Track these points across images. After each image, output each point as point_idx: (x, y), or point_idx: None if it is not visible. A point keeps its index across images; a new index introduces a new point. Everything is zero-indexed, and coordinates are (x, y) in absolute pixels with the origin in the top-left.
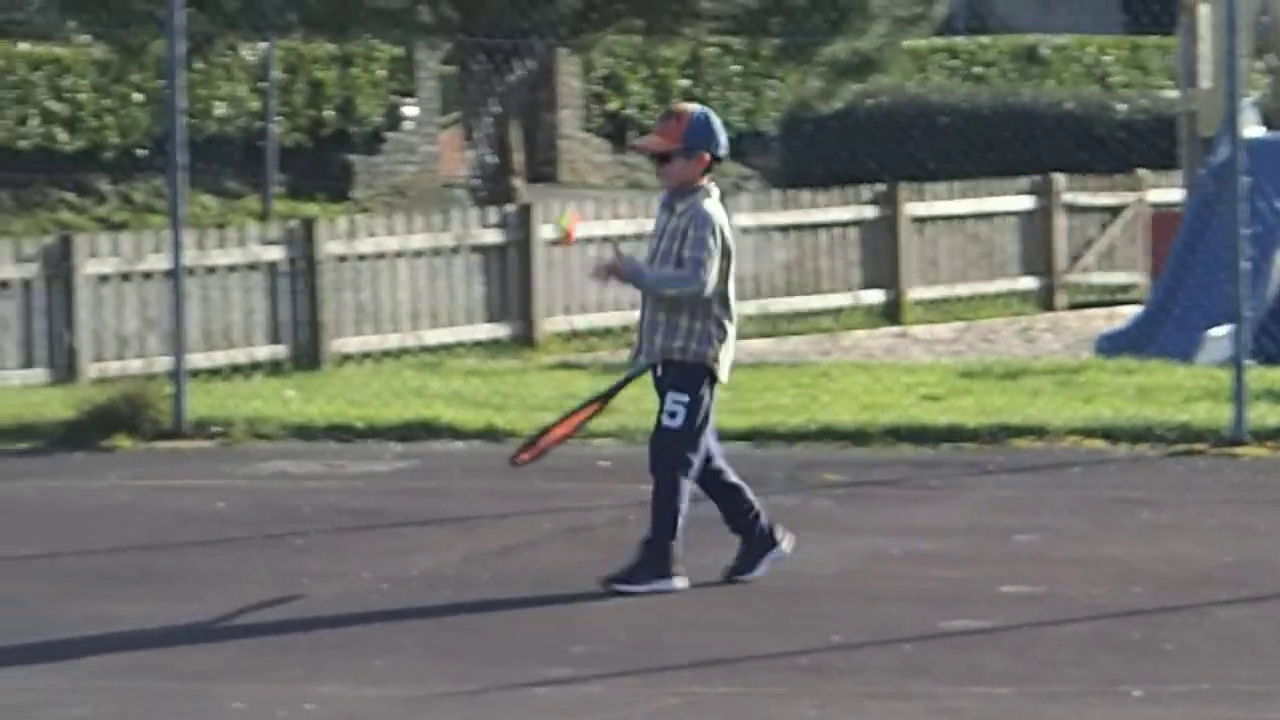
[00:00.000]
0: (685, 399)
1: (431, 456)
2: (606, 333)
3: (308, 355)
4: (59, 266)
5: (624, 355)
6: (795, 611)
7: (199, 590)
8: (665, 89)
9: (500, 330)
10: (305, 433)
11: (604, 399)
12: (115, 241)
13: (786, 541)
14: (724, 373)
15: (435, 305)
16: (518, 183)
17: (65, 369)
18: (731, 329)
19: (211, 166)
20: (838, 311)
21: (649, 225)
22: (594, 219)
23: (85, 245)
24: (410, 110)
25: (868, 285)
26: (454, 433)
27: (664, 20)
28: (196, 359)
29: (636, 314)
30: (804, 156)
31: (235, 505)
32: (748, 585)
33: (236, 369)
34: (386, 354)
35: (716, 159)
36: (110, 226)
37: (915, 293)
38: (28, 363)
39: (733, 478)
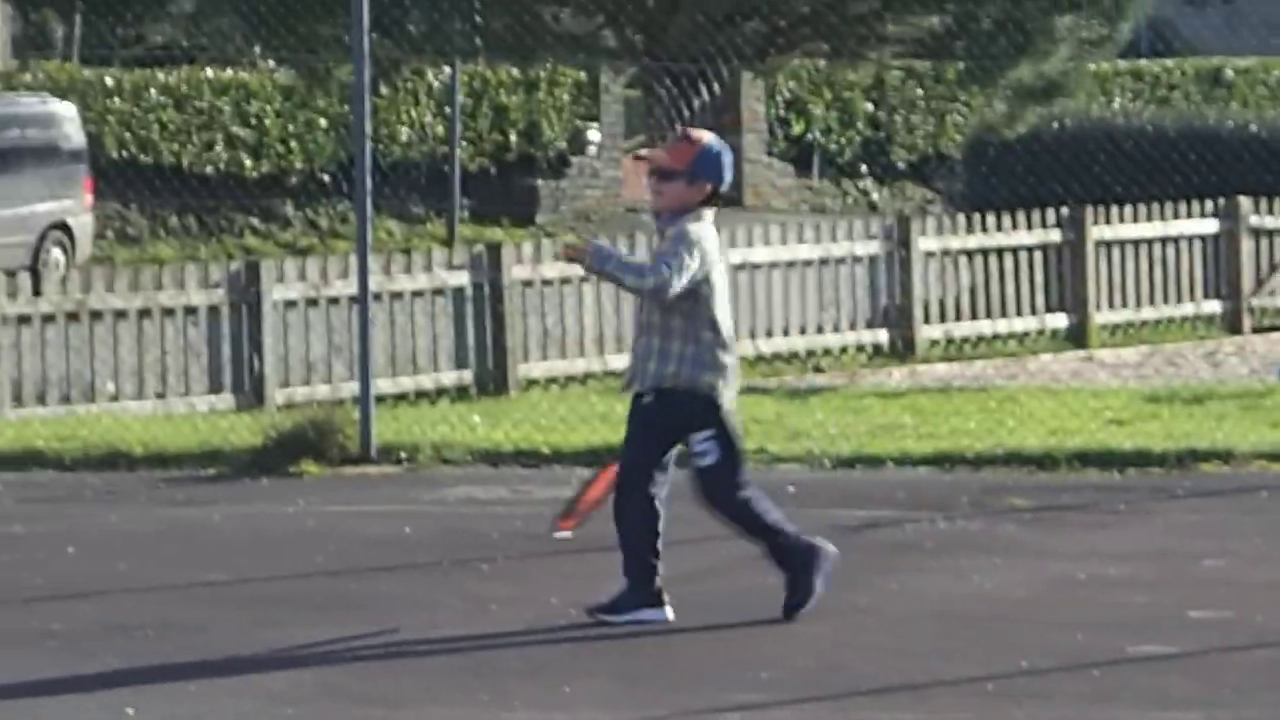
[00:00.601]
0: (710, 433)
1: None
2: (792, 357)
3: (493, 380)
4: (246, 292)
5: (810, 379)
6: (982, 636)
7: (387, 615)
8: (849, 113)
9: None
10: (491, 458)
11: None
12: (302, 267)
13: (669, 610)
14: (724, 399)
15: (620, 330)
16: None
17: (252, 395)
18: (728, 359)
19: (397, 192)
20: (1023, 336)
21: (834, 250)
22: (779, 244)
23: (272, 271)
24: (594, 135)
25: (1053, 309)
26: None
27: (849, 44)
28: (383, 384)
29: (824, 338)
30: (988, 180)
31: (422, 530)
32: (932, 610)
33: (422, 394)
34: (571, 379)
35: (717, 192)
36: (296, 252)
37: (1101, 317)
38: (215, 389)
39: (662, 520)
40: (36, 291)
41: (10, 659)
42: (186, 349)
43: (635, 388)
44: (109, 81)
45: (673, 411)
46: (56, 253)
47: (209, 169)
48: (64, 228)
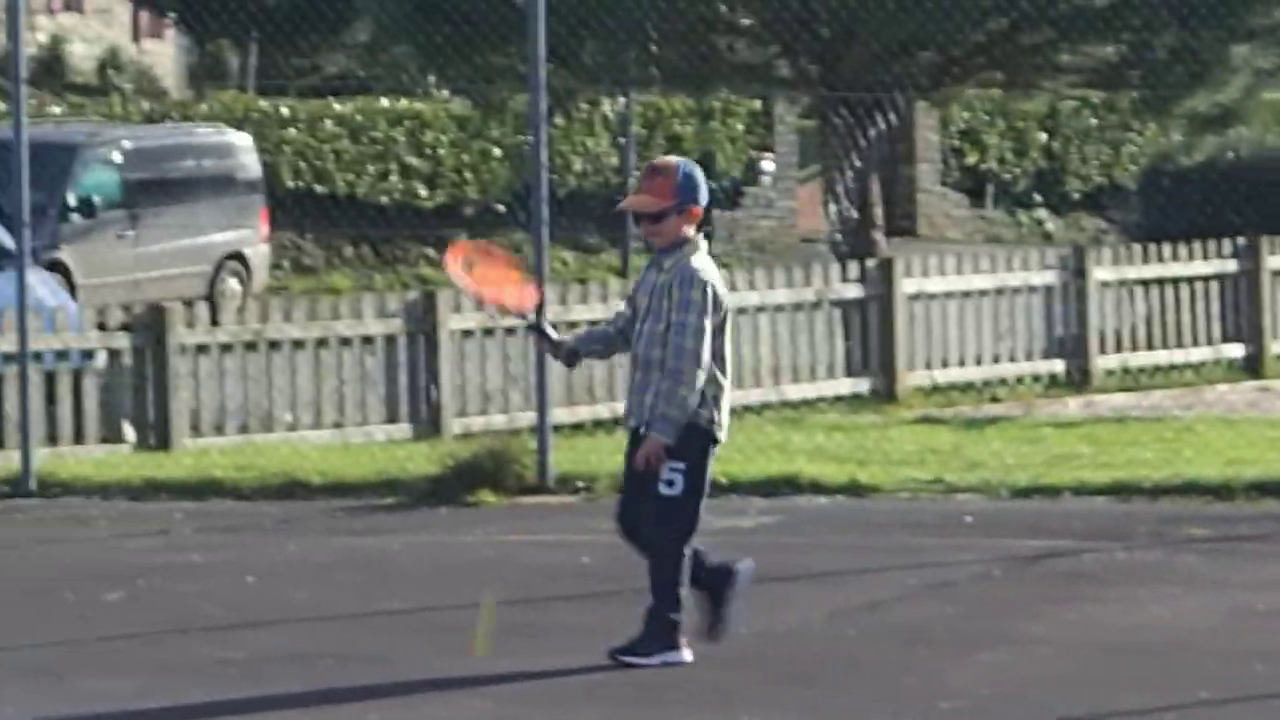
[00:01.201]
0: (683, 466)
1: (795, 512)
2: (968, 387)
3: None
4: (422, 322)
5: (986, 409)
6: (1160, 666)
7: (567, 644)
8: (1023, 142)
9: (861, 385)
10: None
11: (535, 313)
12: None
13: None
14: (723, 433)
15: (796, 360)
16: (878, 237)
17: (429, 424)
18: (727, 385)
19: (572, 222)
20: (1199, 366)
21: (1010, 280)
22: (954, 274)
23: (448, 300)
24: (768, 165)
25: (1229, 339)
26: (817, 488)
27: (1023, 74)
28: (560, 414)
29: (1000, 368)
30: (1163, 210)
31: (600, 560)
32: (1110, 640)
33: (599, 424)
34: (747, 409)
35: (707, 211)
36: None
37: (1277, 346)
38: (392, 418)
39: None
40: (214, 321)
41: (191, 687)
42: (364, 378)
43: (633, 422)
44: (284, 111)
45: (685, 441)
46: (233, 283)
47: (384, 199)
48: (240, 258)
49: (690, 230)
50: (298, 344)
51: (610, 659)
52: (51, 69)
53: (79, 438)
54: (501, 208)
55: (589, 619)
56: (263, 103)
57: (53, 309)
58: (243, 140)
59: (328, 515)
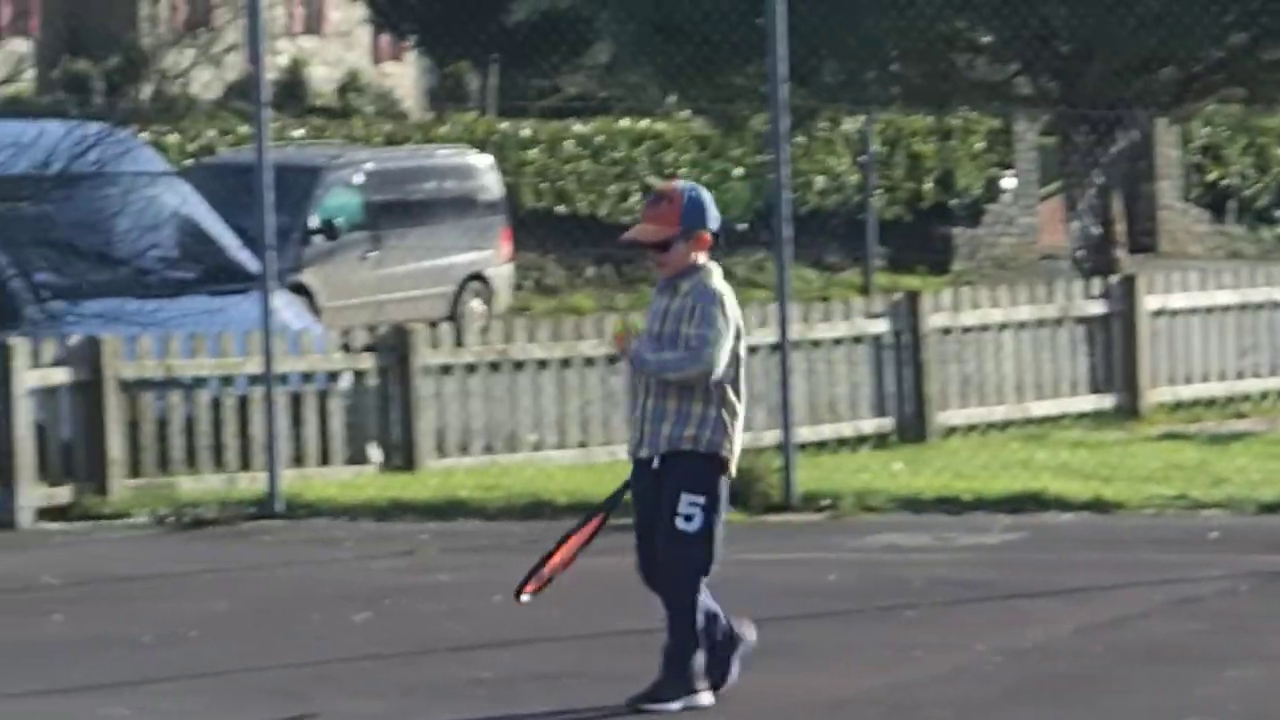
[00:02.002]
0: (702, 500)
1: (1040, 528)
2: (1211, 403)
3: (913, 428)
4: None
5: (1231, 425)
6: None
7: (811, 662)
8: (1265, 158)
9: (1105, 401)
10: (913, 505)
11: (605, 510)
12: None
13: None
14: (734, 466)
15: (1039, 377)
16: (1120, 253)
17: None
18: (742, 415)
19: (814, 240)
20: None
21: (1254, 295)
22: (1197, 289)
23: None
24: (1009, 182)
25: None
26: (1062, 504)
27: (1264, 89)
28: (804, 432)
29: (1244, 384)
30: None
31: (845, 578)
32: None
33: (843, 442)
34: (991, 426)
35: (715, 236)
36: None
37: None
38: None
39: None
40: (458, 342)
41: (439, 707)
42: (608, 398)
43: (645, 454)
44: (525, 133)
45: (672, 472)
46: (476, 303)
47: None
48: (482, 279)
49: (702, 257)
50: (542, 364)
51: (629, 707)
52: (293, 92)
53: (325, 459)
54: (742, 227)
55: (834, 637)
56: (503, 124)
57: (298, 331)
58: (484, 161)
59: None
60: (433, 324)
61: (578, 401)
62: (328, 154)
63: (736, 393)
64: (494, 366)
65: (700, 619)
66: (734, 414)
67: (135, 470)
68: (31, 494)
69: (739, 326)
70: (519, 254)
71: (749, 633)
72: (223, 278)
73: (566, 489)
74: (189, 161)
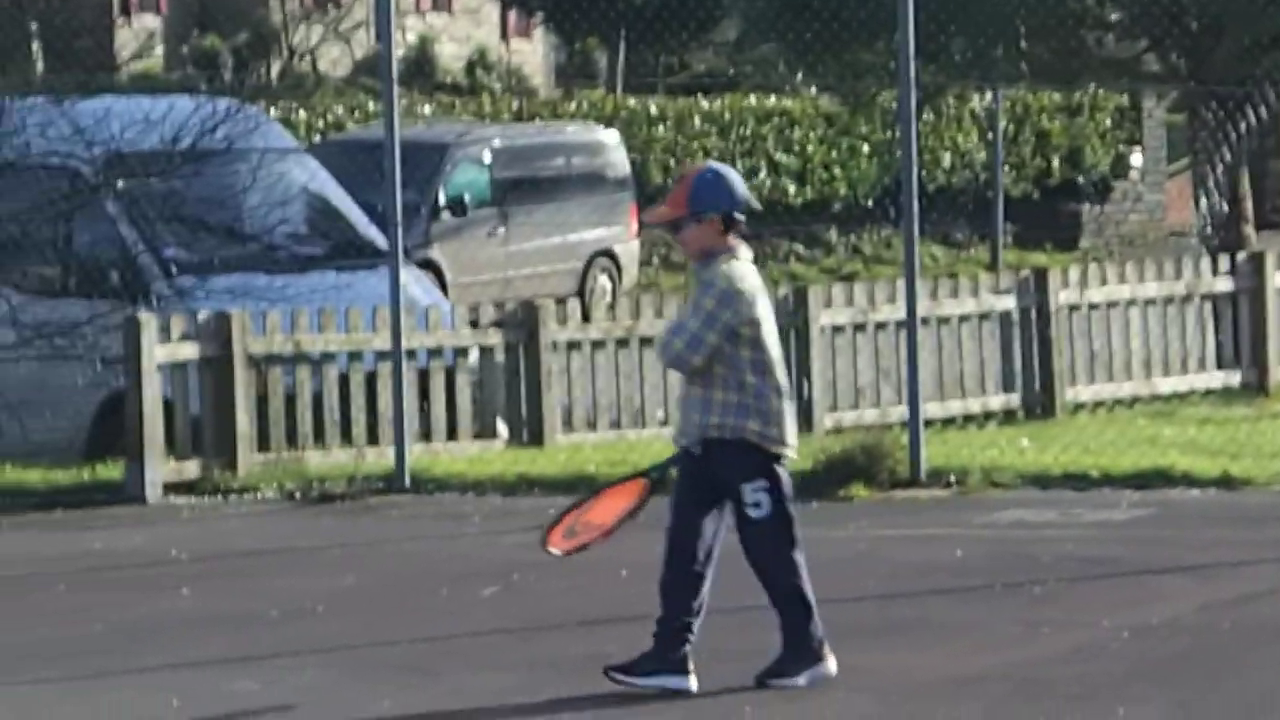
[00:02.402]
0: (764, 484)
1: (1167, 505)
2: None
3: (1040, 404)
4: (794, 317)
5: None
6: None
7: (938, 639)
8: None
9: (1232, 378)
10: (1041, 481)
11: (650, 479)
12: (849, 292)
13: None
14: (785, 449)
15: (1167, 353)
16: (1248, 230)
17: (800, 420)
18: (777, 400)
19: (942, 217)
20: None
21: None
22: None
23: (819, 296)
24: (1136, 159)
25: None
26: (1189, 481)
27: None
28: (931, 408)
29: None
30: None
31: (973, 554)
32: None
33: (969, 418)
34: (1118, 402)
35: (732, 218)
36: (839, 278)
37: None
38: None
39: (707, 583)
40: (586, 318)
41: (566, 682)
42: None
43: (684, 441)
44: (653, 109)
45: (719, 464)
46: (603, 280)
47: (752, 196)
48: (610, 255)
49: (716, 239)
50: None
51: (756, 684)
52: (421, 69)
53: (452, 434)
54: (870, 203)
55: (962, 613)
56: (631, 101)
57: (426, 307)
58: (612, 138)
59: None
60: (560, 300)
61: None
62: (456, 130)
63: (762, 376)
64: (621, 342)
65: (807, 590)
66: (760, 398)
67: (263, 445)
68: (160, 469)
69: (750, 311)
70: (646, 231)
71: (830, 666)
72: (351, 253)
73: None
74: (317, 138)
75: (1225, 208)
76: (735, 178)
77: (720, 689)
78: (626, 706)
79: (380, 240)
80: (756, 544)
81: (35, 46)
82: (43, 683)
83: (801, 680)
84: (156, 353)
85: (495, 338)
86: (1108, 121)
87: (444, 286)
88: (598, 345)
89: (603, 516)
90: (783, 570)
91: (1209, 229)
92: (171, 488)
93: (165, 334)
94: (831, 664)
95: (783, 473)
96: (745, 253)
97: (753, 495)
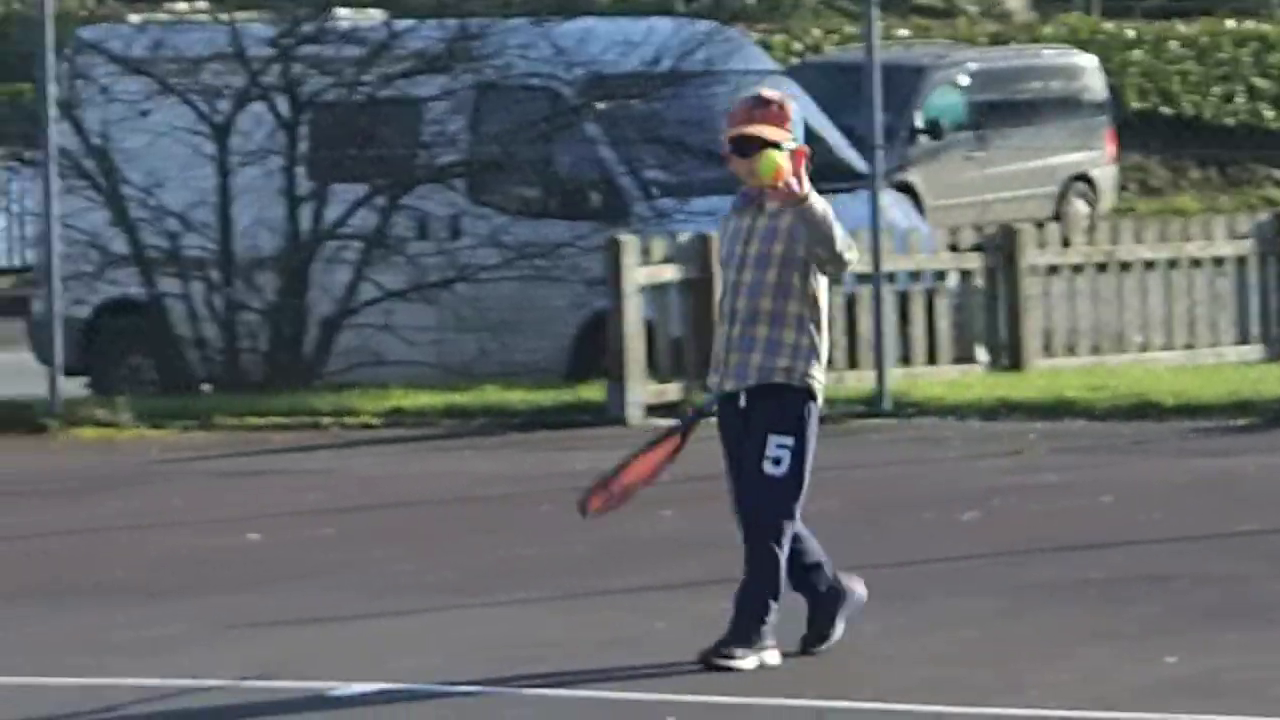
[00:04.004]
0: (791, 441)
1: None
2: None
3: None
4: (1273, 243)
5: None
6: None
7: None
8: None
9: None
10: None
11: (682, 434)
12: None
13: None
14: (822, 394)
15: None
16: None
17: None
18: (825, 343)
19: None
20: None
21: None
22: None
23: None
24: None
25: None
26: None
27: None
28: None
29: None
30: None
31: None
32: None
33: None
34: None
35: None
36: None
37: None
38: (1243, 339)
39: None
40: (1064, 243)
41: (1047, 606)
42: (1214, 299)
43: (731, 386)
44: (1129, 34)
45: (762, 409)
46: (1079, 204)
47: (1229, 120)
48: (1086, 179)
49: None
50: (1148, 265)
51: (700, 663)
52: None
53: (931, 358)
54: None
55: None
56: (1107, 25)
57: (905, 231)
58: (1089, 62)
59: (1180, 436)
60: (1038, 224)
61: (1184, 303)
62: (933, 53)
63: (827, 318)
64: (1100, 267)
65: (784, 567)
66: (822, 343)
67: None
68: (641, 390)
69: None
70: (1123, 155)
71: (858, 587)
72: (830, 176)
73: (1174, 390)
74: (795, 61)
75: None
76: None
77: (1199, 611)
78: (1105, 642)
79: (858, 163)
80: (757, 500)
81: None
82: (529, 601)
83: (748, 664)
84: (637, 274)
85: (974, 262)
86: None
87: (921, 210)
88: (1076, 269)
89: (641, 474)
90: (770, 537)
91: None
92: (653, 409)
93: (646, 256)
94: (775, 656)
95: (814, 429)
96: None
97: (776, 450)
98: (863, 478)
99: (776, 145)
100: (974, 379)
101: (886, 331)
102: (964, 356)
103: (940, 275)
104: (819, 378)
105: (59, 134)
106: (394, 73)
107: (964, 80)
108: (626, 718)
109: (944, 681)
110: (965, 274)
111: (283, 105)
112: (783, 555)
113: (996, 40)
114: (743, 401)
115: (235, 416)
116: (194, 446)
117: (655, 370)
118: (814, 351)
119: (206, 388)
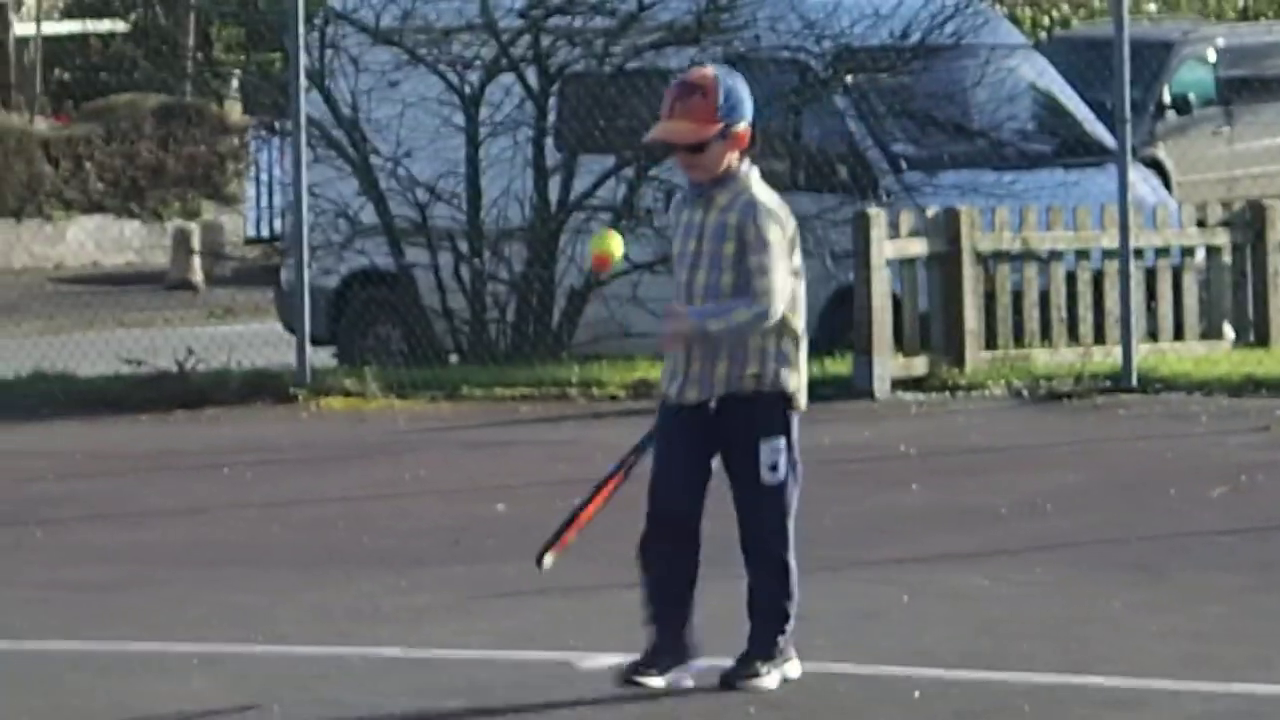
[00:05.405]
0: (783, 443)
1: None
2: None
3: None
4: None
5: None
6: None
7: None
8: None
9: None
10: None
11: (626, 471)
12: None
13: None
14: (804, 400)
15: None
16: None
17: None
18: (804, 342)
19: None
20: None
21: None
22: None
23: None
24: None
25: None
26: None
27: None
28: None
29: None
30: None
31: None
32: None
33: None
34: None
35: (754, 130)
36: None
37: None
38: None
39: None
40: None
41: None
42: None
43: (694, 396)
44: None
45: (739, 419)
46: None
47: None
48: None
49: (742, 160)
50: None
51: (722, 685)
52: None
53: (1178, 334)
54: None
55: None
56: None
57: (1153, 206)
58: None
59: None
60: None
61: None
62: (1181, 28)
63: (796, 315)
64: None
65: (795, 572)
66: (797, 342)
67: (990, 342)
68: (888, 364)
69: (794, 239)
70: None
71: (689, 679)
72: (1078, 151)
73: None
74: (1043, 35)
75: None
76: (744, 81)
77: None
78: None
79: (1107, 138)
80: (763, 512)
81: None
82: None
83: (771, 683)
84: (885, 248)
85: (1222, 238)
86: None
87: (1168, 185)
88: None
89: (586, 519)
90: (783, 544)
91: None
92: (899, 383)
93: (894, 229)
94: (796, 668)
95: (797, 432)
96: (756, 170)
97: (771, 455)
98: (1108, 452)
99: (699, 147)
100: (1221, 355)
101: (1134, 307)
102: (1211, 333)
103: (1188, 251)
104: (794, 379)
105: (308, 104)
106: (643, 44)
107: (1212, 55)
108: (874, 691)
109: (1191, 657)
110: (1213, 250)
111: (532, 76)
112: (792, 560)
113: (1245, 15)
114: (712, 407)
115: (482, 387)
116: (441, 417)
117: (902, 344)
118: (783, 354)
119: (453, 358)
